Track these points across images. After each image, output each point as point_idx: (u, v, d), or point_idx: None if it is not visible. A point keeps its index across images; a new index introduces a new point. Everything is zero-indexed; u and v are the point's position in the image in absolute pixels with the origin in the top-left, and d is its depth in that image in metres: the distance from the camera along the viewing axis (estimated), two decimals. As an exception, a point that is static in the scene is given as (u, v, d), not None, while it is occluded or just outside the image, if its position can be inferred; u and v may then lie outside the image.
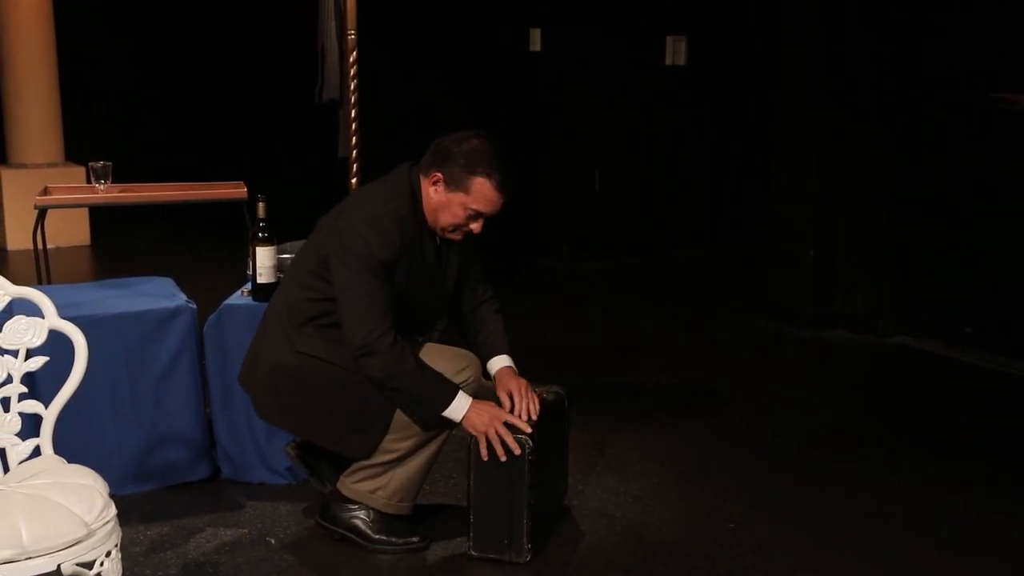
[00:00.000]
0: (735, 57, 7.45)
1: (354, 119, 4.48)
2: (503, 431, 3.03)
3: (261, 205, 3.51)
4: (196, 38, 9.25)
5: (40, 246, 4.70)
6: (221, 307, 3.60)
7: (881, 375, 5.16)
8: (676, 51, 7.56)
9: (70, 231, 7.57)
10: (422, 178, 3.13)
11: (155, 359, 3.54)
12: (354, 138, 4.50)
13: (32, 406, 2.57)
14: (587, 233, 7.51)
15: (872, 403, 4.74)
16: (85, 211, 7.60)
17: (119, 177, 4.88)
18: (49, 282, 4.86)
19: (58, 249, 6.99)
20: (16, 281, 2.62)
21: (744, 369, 5.15)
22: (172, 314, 3.57)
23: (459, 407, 3.03)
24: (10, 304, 2.57)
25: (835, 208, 5.64)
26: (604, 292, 6.68)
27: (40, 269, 4.79)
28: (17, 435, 2.56)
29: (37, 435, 2.56)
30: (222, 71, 9.31)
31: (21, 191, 7.27)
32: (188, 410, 3.62)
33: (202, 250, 7.28)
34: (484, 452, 3.03)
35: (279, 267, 3.58)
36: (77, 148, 7.82)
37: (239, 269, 3.91)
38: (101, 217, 7.66)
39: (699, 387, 4.84)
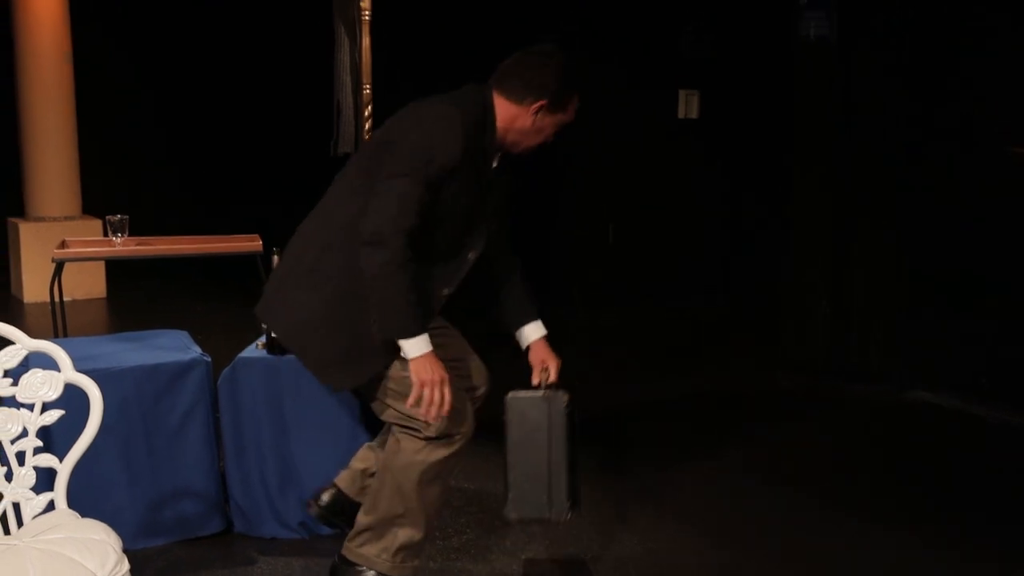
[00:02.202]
0: (748, 111, 7.49)
1: (369, 173, 4.50)
2: (441, 393, 2.88)
3: (276, 258, 3.52)
4: (214, 92, 9.35)
5: (57, 299, 4.73)
6: (236, 360, 3.61)
7: (898, 430, 5.12)
8: (689, 105, 7.61)
9: (87, 284, 7.62)
10: (506, 101, 3.04)
11: (169, 412, 3.54)
12: (369, 192, 4.52)
13: (47, 460, 2.57)
14: (601, 285, 7.51)
15: (889, 458, 4.70)
16: (101, 264, 7.64)
17: (136, 229, 4.92)
18: (65, 335, 4.88)
19: (74, 302, 7.04)
20: (33, 334, 2.63)
21: (759, 424, 5.12)
22: (187, 367, 3.57)
23: (417, 346, 2.88)
24: (27, 357, 2.58)
25: (850, 262, 5.64)
26: (617, 344, 6.67)
27: (56, 322, 4.81)
28: (32, 489, 2.55)
29: (51, 489, 2.56)
30: (239, 125, 9.39)
31: (39, 244, 7.33)
32: (201, 464, 3.61)
33: (217, 303, 7.31)
34: (412, 401, 2.88)
35: (294, 320, 3.58)
36: (95, 201, 7.89)
37: (254, 322, 3.92)
38: (118, 269, 7.70)
39: (715, 442, 4.81)
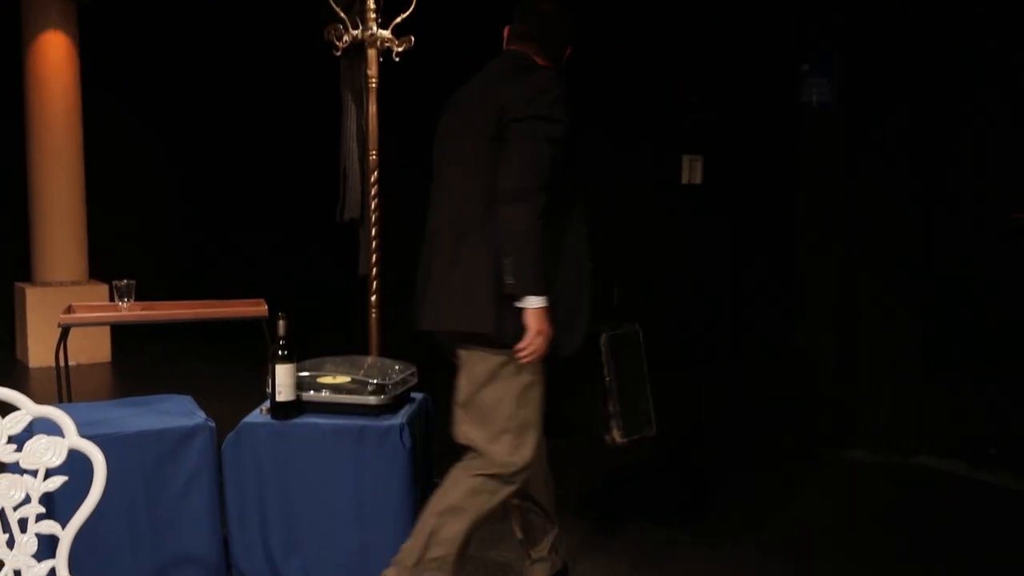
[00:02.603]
0: (751, 177, 7.54)
1: (374, 237, 4.53)
2: (542, 346, 3.10)
3: (281, 323, 3.53)
4: (222, 158, 9.44)
5: (62, 363, 4.73)
6: (240, 425, 3.60)
7: (904, 497, 5.08)
8: (693, 170, 7.66)
9: (92, 348, 7.63)
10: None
11: (173, 478, 3.53)
12: (374, 256, 4.55)
13: (49, 527, 2.56)
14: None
15: (896, 526, 4.66)
16: (107, 328, 7.66)
17: (142, 291, 4.94)
18: (70, 400, 4.88)
19: (79, 366, 7.04)
20: (38, 398, 2.63)
21: (765, 489, 5.09)
22: (191, 433, 3.56)
23: (536, 302, 3.08)
24: (31, 423, 2.58)
25: (857, 326, 5.63)
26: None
27: (61, 387, 4.81)
28: (33, 556, 2.54)
29: (53, 556, 2.54)
30: (247, 190, 9.47)
31: (45, 309, 7.36)
32: (205, 530, 3.59)
33: (222, 367, 7.31)
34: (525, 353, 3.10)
35: (298, 385, 3.58)
36: (101, 264, 7.93)
37: (258, 386, 3.92)
38: (123, 333, 7.72)
39: (719, 507, 4.78)
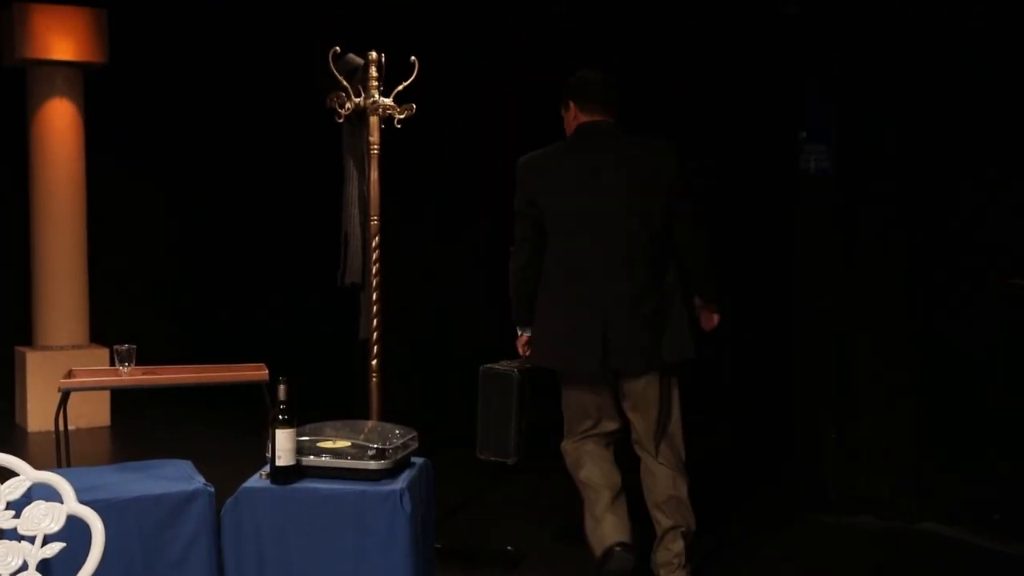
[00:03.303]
0: (749, 241, 7.57)
1: (375, 302, 4.55)
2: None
3: (282, 387, 3.53)
4: (223, 224, 9.49)
5: (62, 428, 4.73)
6: (239, 490, 3.58)
7: (907, 564, 5.03)
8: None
9: (91, 413, 7.61)
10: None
11: (171, 543, 3.51)
12: (375, 320, 4.56)
13: (46, 593, 2.54)
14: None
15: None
16: (107, 392, 7.65)
17: (142, 353, 4.95)
18: (69, 464, 4.87)
19: (78, 430, 7.01)
20: (36, 463, 2.63)
21: (764, 556, 5.05)
22: (189, 497, 3.55)
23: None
24: (29, 489, 2.57)
25: (858, 392, 5.62)
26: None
27: (60, 451, 4.80)
28: (29, 623, 2.52)
29: (49, 623, 2.53)
30: (248, 255, 9.50)
31: (46, 373, 7.35)
32: (203, 596, 3.56)
33: (222, 431, 7.29)
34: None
35: (298, 449, 3.57)
36: (102, 328, 7.94)
37: (258, 451, 3.91)
38: (123, 397, 7.71)
39: (715, 574, 4.74)
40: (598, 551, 4.22)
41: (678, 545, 4.23)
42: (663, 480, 4.27)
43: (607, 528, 4.22)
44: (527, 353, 4.35)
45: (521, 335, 4.36)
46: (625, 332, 4.07)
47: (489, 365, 4.40)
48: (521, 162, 4.21)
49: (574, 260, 4.12)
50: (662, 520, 4.25)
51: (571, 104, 4.20)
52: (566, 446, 4.39)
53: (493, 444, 4.36)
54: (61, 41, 7.65)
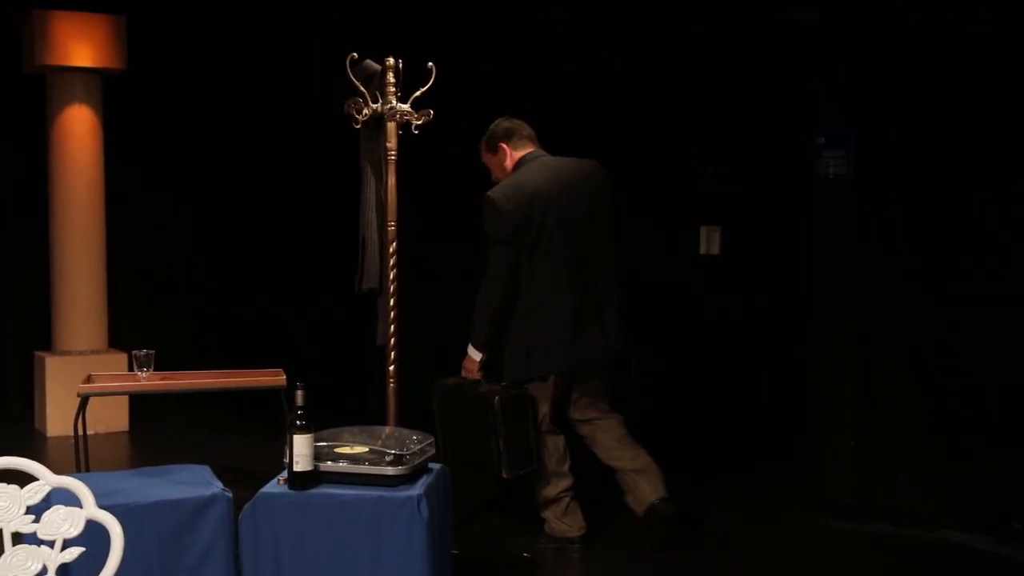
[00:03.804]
0: (768, 247, 7.56)
1: (392, 307, 4.56)
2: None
3: (299, 393, 3.54)
4: (240, 229, 9.51)
5: (80, 432, 4.75)
6: (257, 496, 3.59)
7: (925, 572, 5.00)
8: (710, 241, 7.69)
9: (109, 417, 7.64)
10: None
11: (189, 549, 3.52)
12: (392, 326, 4.56)
13: (65, 598, 2.55)
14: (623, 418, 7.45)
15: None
16: (125, 397, 7.67)
17: (160, 358, 4.97)
18: (88, 469, 4.89)
19: (96, 435, 7.04)
20: (55, 468, 2.64)
21: (782, 564, 5.02)
22: (207, 503, 3.56)
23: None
24: (49, 494, 2.58)
25: (876, 399, 5.59)
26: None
27: (79, 457, 4.82)
28: (48, 628, 2.53)
29: (69, 627, 2.53)
30: (266, 260, 9.52)
31: (64, 378, 7.38)
32: (220, 601, 3.57)
33: (240, 436, 7.30)
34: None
35: (316, 455, 3.58)
36: (121, 333, 7.97)
37: (276, 456, 3.92)
38: (141, 402, 7.73)
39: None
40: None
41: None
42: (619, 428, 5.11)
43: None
44: (479, 375, 4.83)
45: (480, 358, 4.80)
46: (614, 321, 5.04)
47: (487, 389, 4.73)
48: (498, 196, 4.68)
49: (567, 268, 4.77)
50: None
51: (501, 146, 4.89)
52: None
53: (517, 460, 4.71)
54: (80, 48, 7.69)
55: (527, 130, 4.93)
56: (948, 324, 5.42)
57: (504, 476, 4.66)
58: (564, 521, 4.97)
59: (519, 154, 4.89)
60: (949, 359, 5.43)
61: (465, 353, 4.83)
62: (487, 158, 5.00)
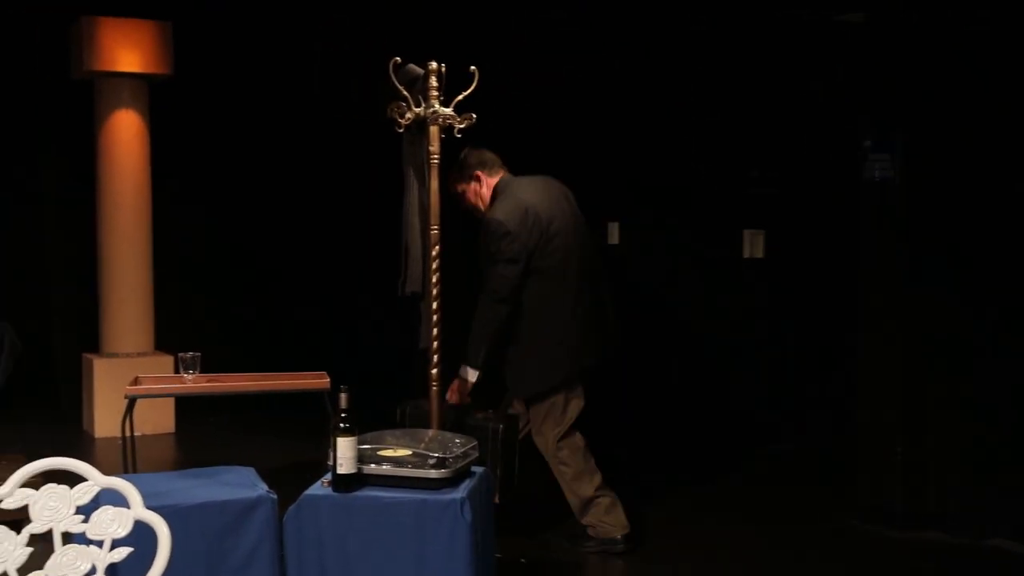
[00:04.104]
0: (813, 251, 7.49)
1: (436, 311, 4.56)
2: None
3: (343, 396, 3.55)
4: (286, 234, 9.59)
5: (128, 434, 4.80)
6: (301, 498, 3.61)
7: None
8: (754, 245, 7.63)
9: (156, 419, 7.72)
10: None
11: (234, 550, 3.54)
12: (435, 330, 4.57)
13: (114, 597, 2.58)
14: (665, 423, 7.44)
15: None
16: (172, 399, 7.75)
17: (206, 361, 5.01)
18: (135, 470, 4.94)
19: (143, 436, 7.12)
20: (103, 469, 2.67)
21: (829, 570, 4.98)
22: (253, 504, 3.58)
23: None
24: (98, 494, 2.61)
25: (925, 405, 5.52)
26: (682, 484, 6.56)
27: (127, 457, 4.87)
28: (96, 627, 2.55)
29: (117, 626, 2.56)
30: (311, 265, 9.59)
31: (112, 380, 7.48)
32: (265, 603, 3.59)
33: (285, 439, 7.35)
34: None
35: (360, 458, 3.59)
36: (167, 336, 8.06)
37: (320, 459, 3.93)
38: (187, 404, 7.81)
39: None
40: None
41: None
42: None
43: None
44: (464, 400, 4.83)
45: (472, 380, 4.82)
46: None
47: (482, 416, 4.76)
48: (503, 216, 4.81)
49: (573, 280, 4.93)
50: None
51: (478, 175, 5.03)
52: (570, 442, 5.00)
53: (507, 484, 4.72)
54: (128, 54, 7.79)
55: (495, 156, 5.09)
56: (997, 328, 5.35)
57: (496, 501, 4.46)
58: (607, 521, 4.96)
59: (494, 180, 5.04)
60: (999, 364, 5.36)
61: (456, 375, 4.84)
62: (461, 187, 5.09)
